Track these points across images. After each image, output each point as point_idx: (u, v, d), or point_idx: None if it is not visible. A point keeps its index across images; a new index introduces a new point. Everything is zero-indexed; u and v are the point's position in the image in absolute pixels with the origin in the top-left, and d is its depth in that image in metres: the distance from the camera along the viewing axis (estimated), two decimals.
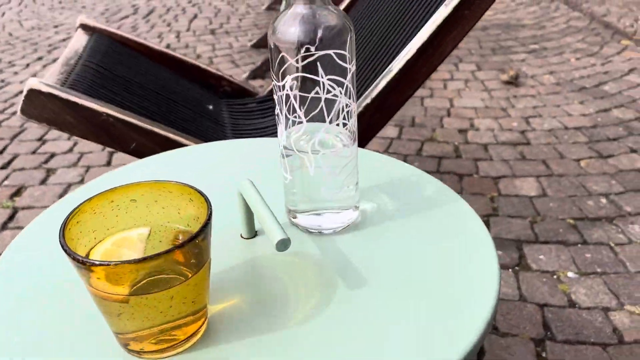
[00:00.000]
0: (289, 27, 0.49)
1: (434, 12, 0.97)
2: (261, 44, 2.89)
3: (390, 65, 0.97)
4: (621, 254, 1.33)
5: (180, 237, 0.46)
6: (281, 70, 0.51)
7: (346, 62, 0.51)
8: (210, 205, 0.42)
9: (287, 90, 0.51)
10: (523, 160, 1.76)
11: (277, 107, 0.54)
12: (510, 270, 1.29)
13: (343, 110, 0.53)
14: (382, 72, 0.99)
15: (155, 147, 0.90)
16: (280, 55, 0.50)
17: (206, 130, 1.13)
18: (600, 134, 1.91)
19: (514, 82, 2.37)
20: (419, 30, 0.96)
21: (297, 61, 0.49)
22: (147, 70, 1.24)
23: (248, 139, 0.80)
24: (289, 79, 0.50)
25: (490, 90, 2.32)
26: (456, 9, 0.94)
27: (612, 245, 1.36)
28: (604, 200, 1.54)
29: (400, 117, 2.08)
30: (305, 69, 0.50)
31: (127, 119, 0.86)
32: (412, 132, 1.97)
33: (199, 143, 0.97)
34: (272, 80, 0.53)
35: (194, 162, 0.72)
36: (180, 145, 0.92)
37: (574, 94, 2.25)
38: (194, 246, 0.39)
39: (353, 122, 0.55)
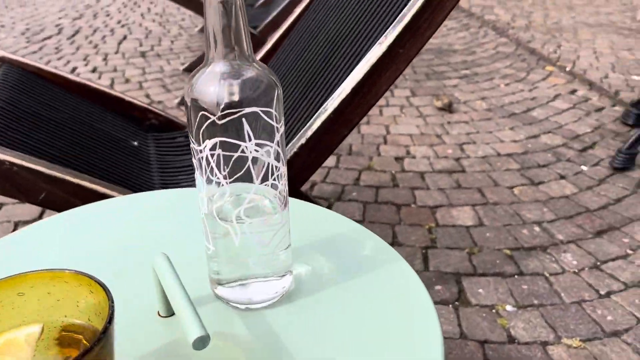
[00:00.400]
0: (209, 86, 0.44)
1: (367, 50, 0.94)
2: (194, 67, 2.81)
3: (324, 105, 0.94)
4: (556, 285, 1.34)
5: (81, 337, 0.39)
6: (201, 132, 0.45)
7: (274, 121, 0.47)
8: (113, 303, 0.35)
9: (207, 153, 0.45)
10: (459, 189, 1.77)
11: (196, 170, 0.48)
12: (450, 306, 1.27)
13: (273, 173, 0.48)
14: (315, 112, 0.94)
15: (68, 197, 0.81)
16: (200, 114, 0.44)
17: (129, 171, 1.05)
18: (530, 161, 1.95)
19: (447, 109, 2.41)
20: (352, 70, 0.93)
21: (218, 120, 0.44)
22: (64, 104, 1.15)
23: (174, 189, 0.73)
24: (209, 142, 0.45)
25: (425, 117, 2.34)
26: (390, 47, 0.91)
27: (547, 275, 1.38)
28: (537, 229, 1.56)
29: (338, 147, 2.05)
30: (228, 129, 0.44)
31: (33, 167, 0.77)
32: (349, 160, 1.95)
33: (118, 190, 0.89)
34: (191, 143, 0.47)
35: (109, 221, 0.65)
36: (96, 193, 0.84)
37: (505, 119, 2.31)
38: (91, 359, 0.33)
39: (284, 185, 0.50)
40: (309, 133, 0.94)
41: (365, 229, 0.65)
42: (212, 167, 0.46)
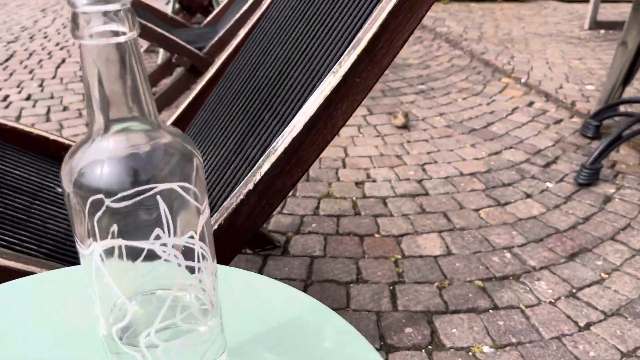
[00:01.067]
0: (99, 165, 0.31)
1: (319, 80, 0.83)
2: None
3: (273, 144, 0.81)
4: (533, 318, 1.25)
5: None
6: (90, 228, 0.32)
7: (195, 199, 0.34)
8: None
9: (96, 261, 0.32)
10: (423, 214, 1.67)
11: (86, 278, 0.35)
12: (423, 351, 1.16)
13: (196, 272, 0.36)
14: (263, 152, 0.82)
15: None
16: (89, 203, 0.31)
17: (46, 229, 0.90)
18: (495, 179, 1.88)
19: (406, 125, 2.33)
20: (304, 102, 0.81)
21: (115, 208, 0.31)
22: None
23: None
24: (102, 243, 0.32)
25: (384, 136, 2.25)
26: (345, 77, 0.80)
27: (523, 307, 1.29)
28: (508, 255, 1.48)
29: None
30: (129, 221, 0.32)
31: None
32: (307, 188, 1.83)
33: (32, 258, 0.74)
34: (76, 243, 0.34)
35: (9, 310, 0.50)
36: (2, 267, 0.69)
37: (465, 136, 2.24)
38: None
39: (212, 284, 0.37)
40: (257, 177, 0.81)
41: (324, 307, 0.52)
42: (110, 273, 0.33)
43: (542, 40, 3.75)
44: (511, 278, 1.39)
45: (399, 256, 1.47)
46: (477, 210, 1.70)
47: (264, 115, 0.92)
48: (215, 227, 0.81)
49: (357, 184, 1.86)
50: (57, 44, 3.57)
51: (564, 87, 2.80)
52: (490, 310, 1.28)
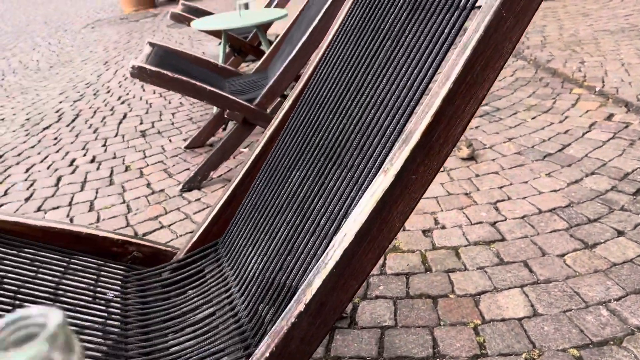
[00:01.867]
0: None
1: (368, 181, 0.73)
2: (196, 144, 2.65)
3: (323, 258, 0.72)
4: None
5: None
6: None
7: None
8: None
9: None
10: (502, 265, 1.52)
11: None
12: None
13: None
14: (312, 266, 0.73)
15: None
16: None
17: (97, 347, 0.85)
18: (578, 215, 1.70)
19: (472, 155, 2.18)
20: (352, 209, 0.72)
21: None
22: (31, 257, 0.96)
23: None
24: None
25: (449, 171, 2.11)
26: (399, 175, 0.70)
27: None
28: (605, 312, 1.31)
29: None
30: None
31: None
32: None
33: None
34: None
35: None
36: None
37: (539, 163, 2.06)
38: None
39: None
40: (308, 296, 0.72)
41: None
42: None
43: (613, 38, 3.46)
44: (611, 343, 1.22)
45: (479, 321, 1.33)
46: (562, 256, 1.53)
47: (305, 223, 0.84)
48: (267, 355, 0.73)
49: (424, 232, 1.74)
50: (119, 98, 3.68)
51: None
52: None
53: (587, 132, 2.25)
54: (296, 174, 0.95)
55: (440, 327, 1.33)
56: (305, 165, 0.92)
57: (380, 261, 1.62)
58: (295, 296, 0.74)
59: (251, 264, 0.96)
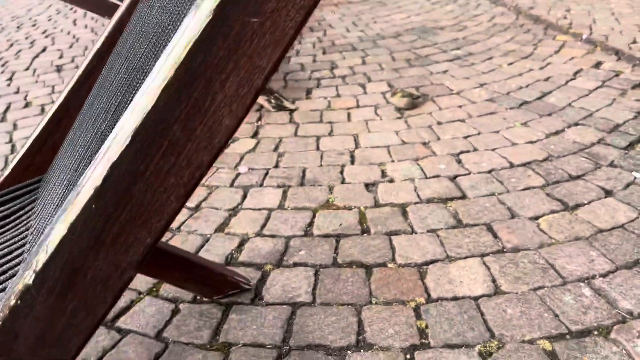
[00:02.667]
0: None
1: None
2: None
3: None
4: None
5: None
6: None
7: None
8: None
9: None
10: (459, 228, 1.19)
11: None
12: None
13: None
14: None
15: None
16: None
17: None
18: (557, 171, 1.37)
19: (414, 105, 1.82)
20: None
21: None
22: None
23: None
24: None
25: (407, 118, 1.76)
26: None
27: None
28: (587, 292, 0.98)
29: (285, 172, 1.48)
30: None
31: None
32: (300, 195, 1.37)
33: None
34: None
35: None
36: None
37: (514, 112, 1.72)
38: None
39: None
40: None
41: None
42: None
43: None
44: (596, 333, 0.90)
45: (422, 299, 1.00)
46: (535, 218, 1.20)
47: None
48: None
49: (367, 186, 1.39)
50: (44, 32, 3.21)
51: (638, 41, 2.22)
52: None
53: (571, 79, 1.92)
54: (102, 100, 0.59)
55: (370, 306, 1.00)
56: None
57: (307, 219, 1.27)
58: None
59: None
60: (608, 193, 1.26)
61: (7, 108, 2.08)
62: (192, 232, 1.25)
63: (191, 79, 0.33)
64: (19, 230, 0.67)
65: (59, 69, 2.51)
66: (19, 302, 0.37)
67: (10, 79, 2.42)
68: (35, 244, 0.38)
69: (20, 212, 0.72)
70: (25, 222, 0.69)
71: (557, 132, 1.56)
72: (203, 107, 0.34)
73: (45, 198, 0.70)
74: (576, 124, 1.60)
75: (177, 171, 0.35)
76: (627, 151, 1.43)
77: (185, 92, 0.34)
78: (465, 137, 1.59)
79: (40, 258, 0.36)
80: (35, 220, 0.67)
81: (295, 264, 1.12)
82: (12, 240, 0.65)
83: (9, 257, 0.62)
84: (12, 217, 0.71)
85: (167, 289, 1.08)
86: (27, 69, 2.54)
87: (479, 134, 1.60)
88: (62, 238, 0.36)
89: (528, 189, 1.31)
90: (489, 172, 1.40)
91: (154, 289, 1.09)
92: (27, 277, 0.36)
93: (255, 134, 1.73)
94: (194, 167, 0.35)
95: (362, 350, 0.90)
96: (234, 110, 0.34)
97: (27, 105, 2.10)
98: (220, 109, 0.34)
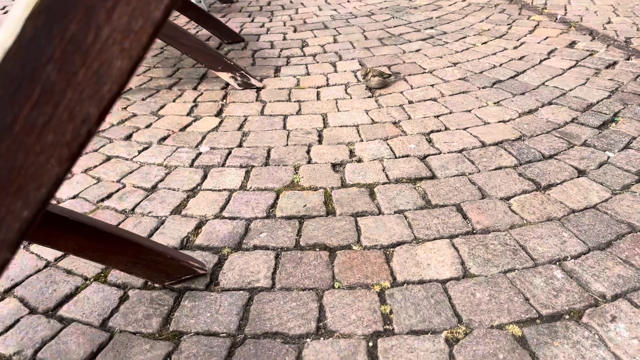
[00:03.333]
0: None
1: None
2: None
3: None
4: None
5: None
6: None
7: None
8: None
9: None
10: (427, 209, 1.14)
11: None
12: None
13: None
14: None
15: None
16: None
17: None
18: (530, 151, 1.33)
19: (385, 84, 1.76)
20: None
21: None
22: None
23: None
24: None
25: (378, 97, 1.70)
26: None
27: None
28: (559, 274, 0.94)
29: (249, 152, 1.41)
30: None
31: None
32: (263, 175, 1.30)
33: None
34: None
35: None
36: None
37: (487, 91, 1.67)
38: None
39: None
40: None
41: None
42: None
43: None
44: (567, 317, 0.85)
45: (388, 283, 0.95)
46: (506, 199, 1.15)
47: None
48: None
49: (334, 166, 1.33)
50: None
51: (612, 21, 2.19)
52: None
53: (545, 59, 1.88)
54: None
55: (333, 291, 0.94)
56: None
57: (270, 200, 1.20)
58: None
59: None
60: (581, 173, 1.22)
61: None
62: (146, 214, 1.18)
63: (65, 6, 0.26)
64: None
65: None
66: None
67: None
68: None
69: None
70: None
71: (530, 112, 1.52)
72: (84, 43, 0.27)
73: None
74: (550, 103, 1.56)
75: (56, 126, 0.28)
76: (600, 130, 1.39)
77: (58, 24, 0.27)
78: (437, 117, 1.54)
79: None
80: None
81: (256, 247, 1.06)
82: None
83: None
84: None
85: (117, 275, 1.01)
86: None
87: (450, 112, 1.55)
88: None
89: (500, 168, 1.26)
90: (460, 151, 1.35)
91: (102, 275, 1.01)
92: None
93: (219, 113, 1.65)
94: (79, 122, 0.29)
95: (322, 338, 0.84)
96: (126, 48, 0.28)
97: None
98: (108, 47, 0.27)
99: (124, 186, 1.28)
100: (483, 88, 1.69)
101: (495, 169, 1.26)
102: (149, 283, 0.98)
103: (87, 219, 0.80)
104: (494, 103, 1.59)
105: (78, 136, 0.29)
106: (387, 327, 0.86)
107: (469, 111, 1.55)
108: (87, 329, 0.89)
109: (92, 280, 1.00)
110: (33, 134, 0.28)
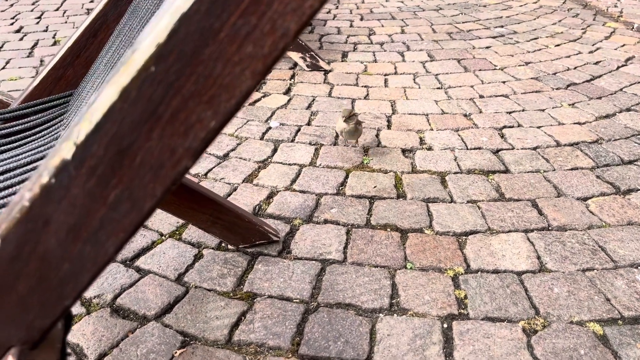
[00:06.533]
0: None
1: None
2: None
3: None
4: None
5: None
6: None
7: None
8: None
9: None
10: (502, 202, 1.12)
11: None
12: None
13: None
14: None
15: None
16: None
17: None
18: (608, 154, 1.29)
19: (356, 127, 1.27)
20: None
21: None
22: None
23: None
24: None
25: (448, 89, 1.68)
26: None
27: None
28: None
29: (317, 130, 1.41)
30: None
31: None
32: (332, 154, 1.30)
33: None
34: None
35: None
36: None
37: (561, 92, 1.63)
38: None
39: None
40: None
41: None
42: None
43: None
44: None
45: (461, 269, 0.94)
46: (584, 199, 1.12)
47: None
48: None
49: (404, 151, 1.32)
50: None
51: None
52: None
53: (622, 65, 1.82)
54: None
55: (405, 271, 0.93)
56: None
57: (340, 179, 1.20)
58: None
59: None
60: None
61: (35, 44, 2.03)
62: (219, 179, 1.19)
63: None
64: (47, 140, 0.61)
65: (89, 12, 2.44)
66: (52, 180, 0.31)
67: (39, 17, 2.37)
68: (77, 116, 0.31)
69: (49, 124, 0.66)
70: (54, 132, 0.63)
71: (607, 116, 1.48)
72: None
73: (77, 110, 0.64)
74: (628, 110, 1.51)
75: (257, 37, 0.29)
76: None
77: None
78: (509, 113, 1.51)
79: (84, 128, 0.30)
80: (65, 131, 0.61)
81: (326, 221, 1.06)
82: (38, 149, 0.59)
83: (33, 165, 0.56)
84: (39, 128, 0.65)
85: (191, 233, 1.02)
86: (58, 9, 2.48)
87: (523, 110, 1.52)
88: (112, 105, 0.30)
89: (576, 169, 1.23)
90: (534, 149, 1.32)
91: (177, 232, 1.03)
92: (65, 149, 0.30)
93: (287, 91, 1.66)
94: (278, 35, 0.29)
95: (395, 315, 0.84)
96: None
97: (55, 43, 2.04)
98: None
99: None
100: (557, 89, 1.65)
101: (572, 169, 1.23)
102: (223, 244, 0.99)
103: None
104: (569, 104, 1.55)
105: (274, 50, 0.29)
106: (462, 311, 0.85)
107: (543, 110, 1.52)
108: (164, 281, 0.90)
109: (167, 236, 1.02)
110: (235, 43, 0.29)
